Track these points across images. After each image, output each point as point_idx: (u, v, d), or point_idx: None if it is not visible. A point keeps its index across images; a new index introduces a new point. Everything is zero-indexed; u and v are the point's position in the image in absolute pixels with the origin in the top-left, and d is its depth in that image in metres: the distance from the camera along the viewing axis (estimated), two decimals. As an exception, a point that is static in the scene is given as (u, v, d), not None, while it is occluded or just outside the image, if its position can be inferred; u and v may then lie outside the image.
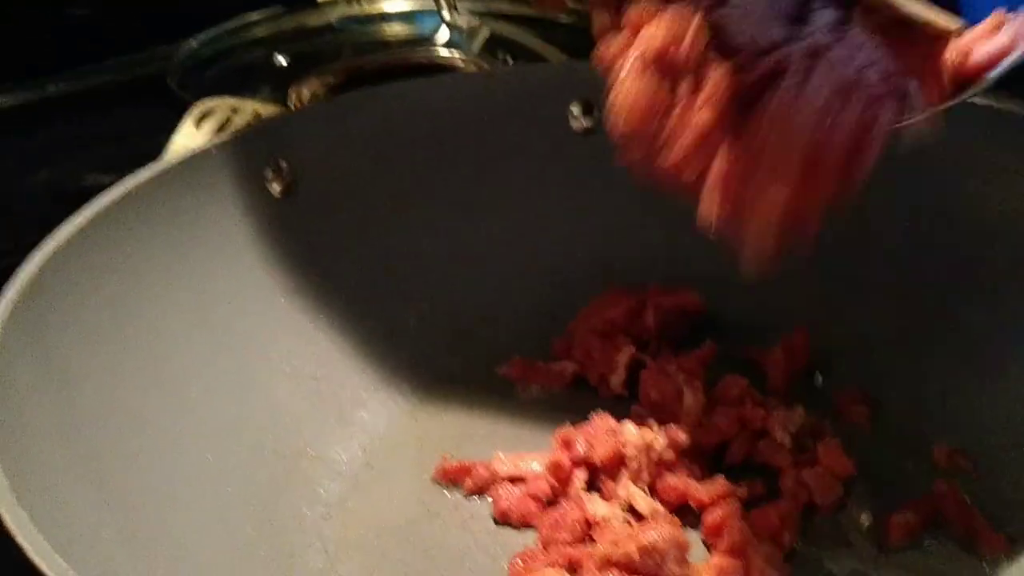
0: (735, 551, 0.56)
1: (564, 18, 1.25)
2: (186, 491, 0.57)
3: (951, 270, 0.69)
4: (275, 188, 0.71)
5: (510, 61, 1.05)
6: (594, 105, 0.77)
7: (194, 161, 0.67)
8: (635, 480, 0.61)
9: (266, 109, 1.04)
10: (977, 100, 0.53)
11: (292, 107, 0.79)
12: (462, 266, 0.77)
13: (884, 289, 0.71)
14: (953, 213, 0.69)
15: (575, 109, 0.78)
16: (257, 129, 0.70)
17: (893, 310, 0.70)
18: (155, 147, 0.79)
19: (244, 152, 0.69)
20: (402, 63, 0.77)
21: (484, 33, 1.19)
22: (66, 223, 0.59)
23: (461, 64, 0.78)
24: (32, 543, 0.41)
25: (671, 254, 0.76)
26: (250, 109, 1.03)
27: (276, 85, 1.11)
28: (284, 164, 0.71)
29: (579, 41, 1.26)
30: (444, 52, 0.78)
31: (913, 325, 0.69)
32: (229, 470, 0.61)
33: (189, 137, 1.00)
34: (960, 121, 0.51)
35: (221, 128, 1.01)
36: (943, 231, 0.69)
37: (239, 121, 1.02)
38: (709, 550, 0.58)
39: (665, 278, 0.76)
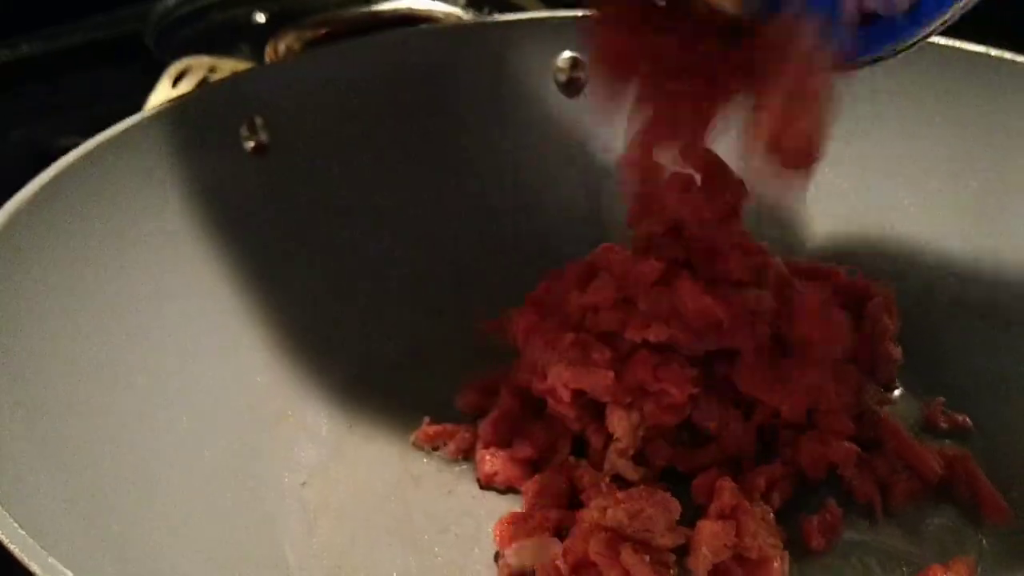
0: (726, 514, 0.54)
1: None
2: (161, 458, 0.56)
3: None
4: (249, 144, 0.68)
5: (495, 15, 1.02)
6: (580, 60, 0.75)
7: (166, 115, 0.64)
8: (622, 454, 0.59)
9: (244, 67, 1.01)
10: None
11: (268, 62, 0.76)
12: (442, 223, 0.75)
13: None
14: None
15: (560, 63, 0.76)
16: (231, 83, 0.68)
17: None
18: (131, 107, 0.77)
19: (217, 106, 0.67)
20: (382, 16, 0.75)
21: (470, -16, 1.17)
22: (34, 179, 0.57)
23: (442, 16, 0.75)
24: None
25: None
26: (228, 68, 1.01)
27: (255, 43, 1.08)
28: (259, 119, 0.68)
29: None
30: (426, 4, 0.76)
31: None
32: (206, 435, 0.59)
33: (166, 96, 0.98)
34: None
35: (198, 87, 0.99)
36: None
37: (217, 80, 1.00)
38: (700, 513, 0.57)
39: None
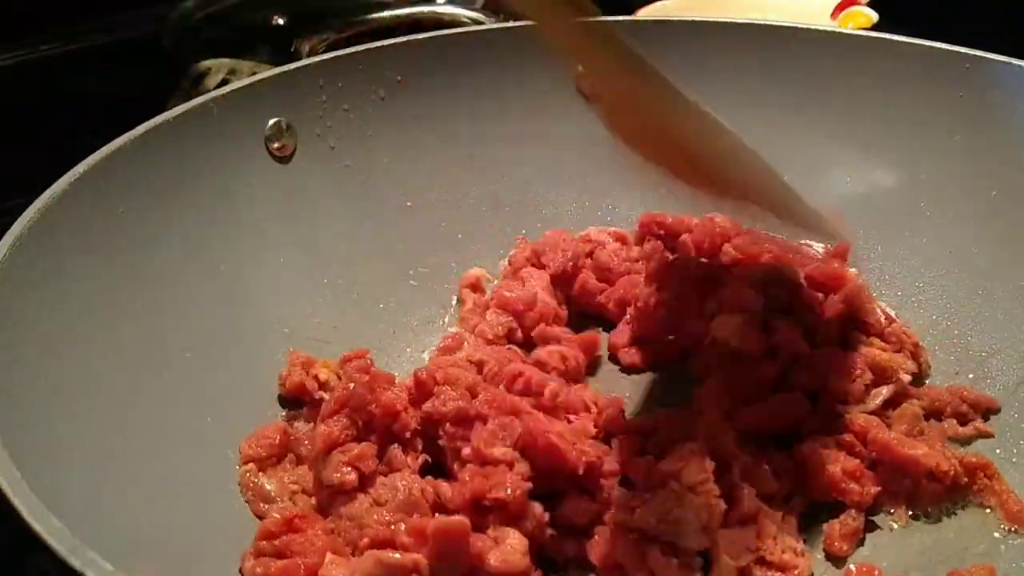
0: (746, 519, 0.54)
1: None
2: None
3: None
4: (275, 144, 0.69)
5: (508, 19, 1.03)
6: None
7: (194, 115, 0.65)
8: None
9: (264, 69, 1.02)
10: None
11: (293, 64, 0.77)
12: (467, 222, 0.76)
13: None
14: None
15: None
16: (259, 84, 0.68)
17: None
18: (151, 109, 0.78)
19: (245, 108, 0.67)
20: (405, 20, 0.76)
21: (484, -8, 1.17)
22: (64, 176, 0.58)
23: (467, 21, 0.76)
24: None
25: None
26: (248, 70, 1.01)
27: (274, 45, 1.09)
28: (285, 121, 0.69)
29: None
30: (450, 10, 0.76)
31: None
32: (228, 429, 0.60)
33: (185, 98, 0.99)
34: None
35: (218, 89, 0.99)
36: None
37: (237, 82, 1.00)
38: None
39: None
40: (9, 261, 0.52)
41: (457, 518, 0.50)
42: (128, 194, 0.60)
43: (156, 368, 0.58)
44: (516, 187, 0.77)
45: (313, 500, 0.57)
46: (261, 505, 0.56)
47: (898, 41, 0.73)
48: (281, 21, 1.12)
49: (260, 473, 0.58)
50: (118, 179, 0.60)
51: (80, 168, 0.58)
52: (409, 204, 0.74)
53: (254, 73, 1.00)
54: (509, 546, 0.51)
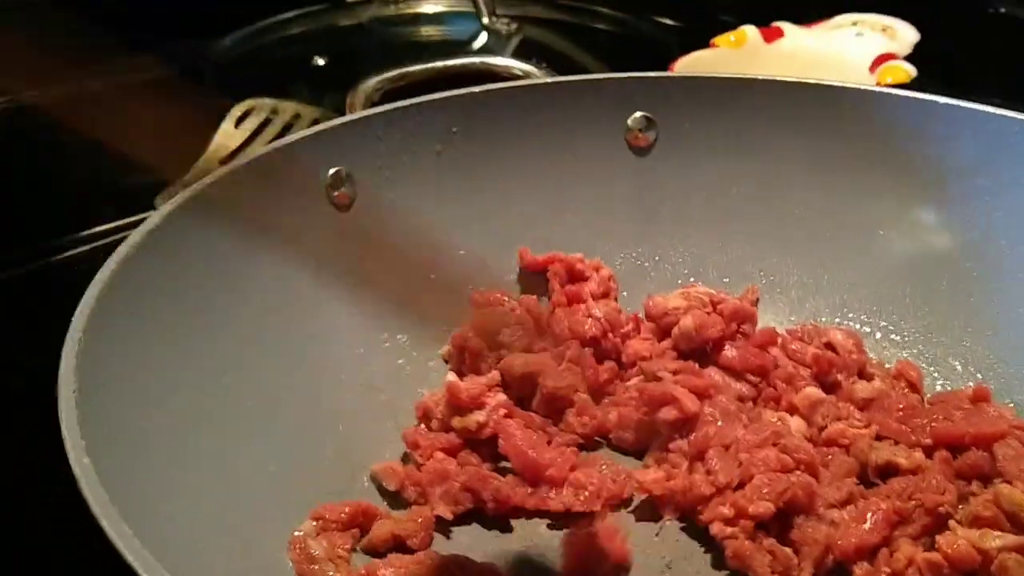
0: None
1: (599, 24, 1.25)
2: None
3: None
4: (334, 194, 0.70)
5: (544, 67, 1.05)
6: (652, 119, 0.78)
7: (258, 164, 0.66)
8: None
9: (306, 110, 1.03)
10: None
11: (348, 113, 0.78)
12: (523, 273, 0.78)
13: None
14: None
15: (631, 123, 0.78)
16: (321, 135, 0.69)
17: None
18: (192, 146, 0.79)
19: (306, 157, 0.69)
20: (457, 71, 0.77)
21: (518, 38, 1.19)
22: (137, 229, 0.59)
23: (520, 74, 0.77)
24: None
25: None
26: (291, 110, 1.03)
27: (313, 85, 1.11)
28: (345, 170, 0.70)
29: (614, 47, 1.28)
30: (503, 62, 0.77)
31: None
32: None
33: (228, 136, 1.00)
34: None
35: (260, 128, 1.01)
36: None
37: (279, 122, 1.02)
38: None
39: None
40: (92, 315, 0.53)
41: None
42: (198, 244, 0.62)
43: (216, 412, 0.59)
44: (567, 241, 0.78)
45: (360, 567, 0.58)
46: (305, 567, 0.57)
47: (940, 103, 0.74)
48: (321, 62, 1.15)
49: (315, 536, 0.59)
50: (189, 230, 0.61)
51: (155, 219, 0.60)
52: (462, 254, 0.75)
53: (297, 114, 1.02)
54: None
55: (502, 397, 0.67)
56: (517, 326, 0.69)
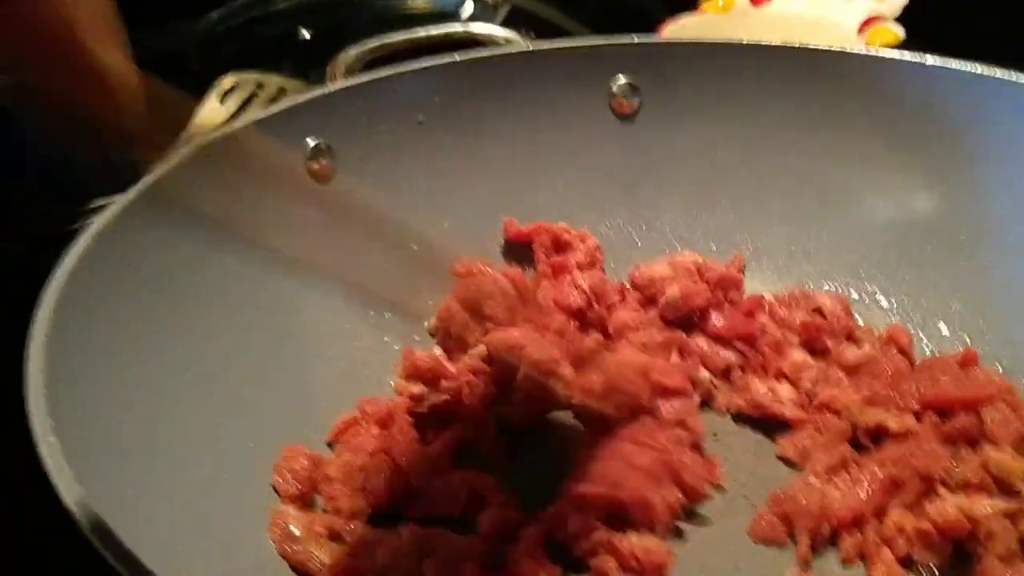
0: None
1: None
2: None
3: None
4: (314, 167, 0.69)
5: (532, 35, 1.03)
6: (635, 85, 0.77)
7: (235, 137, 0.65)
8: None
9: (291, 84, 1.02)
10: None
11: (328, 84, 0.77)
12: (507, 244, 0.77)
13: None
14: None
15: (615, 88, 0.77)
16: (299, 107, 0.69)
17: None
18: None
19: (286, 130, 0.68)
20: (440, 39, 0.76)
21: (506, 7, 1.17)
22: (115, 201, 0.59)
23: (502, 41, 0.76)
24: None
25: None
26: (275, 84, 1.02)
27: (299, 60, 1.09)
28: (324, 142, 0.69)
29: (602, 15, 1.26)
30: (485, 29, 0.76)
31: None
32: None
33: (213, 112, 0.99)
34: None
35: (245, 103, 1.00)
36: None
37: (264, 96, 1.01)
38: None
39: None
40: (67, 285, 0.52)
41: None
42: (176, 217, 0.61)
43: (200, 390, 0.59)
44: (552, 210, 0.77)
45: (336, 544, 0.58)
46: (287, 547, 0.57)
47: (928, 64, 0.73)
48: (307, 35, 1.13)
49: (290, 516, 0.58)
50: (167, 202, 0.61)
51: (130, 195, 0.59)
52: (446, 226, 0.75)
53: (282, 89, 1.01)
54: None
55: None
56: (500, 297, 0.68)
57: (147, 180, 0.60)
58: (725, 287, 0.72)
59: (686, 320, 0.72)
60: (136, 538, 0.42)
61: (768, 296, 0.73)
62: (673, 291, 0.71)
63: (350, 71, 0.78)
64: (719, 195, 0.78)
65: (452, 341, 0.69)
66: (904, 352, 0.70)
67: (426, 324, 0.73)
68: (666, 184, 0.78)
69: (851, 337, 0.71)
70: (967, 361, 0.66)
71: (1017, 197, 0.69)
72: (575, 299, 0.71)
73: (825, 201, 0.75)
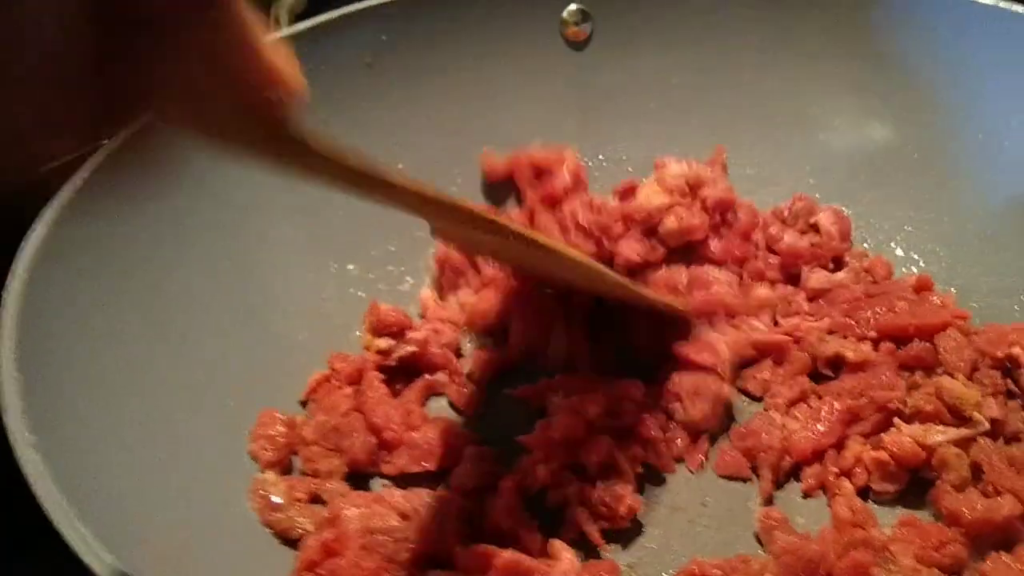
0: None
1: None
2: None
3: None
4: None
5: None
6: (587, 12, 0.75)
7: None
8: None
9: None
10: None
11: (272, 30, 0.75)
12: (463, 185, 0.76)
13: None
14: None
15: (567, 16, 0.75)
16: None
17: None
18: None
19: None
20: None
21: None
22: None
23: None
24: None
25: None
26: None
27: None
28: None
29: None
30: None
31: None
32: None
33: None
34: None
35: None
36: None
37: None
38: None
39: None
40: (38, 251, 0.53)
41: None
42: (136, 181, 0.59)
43: (170, 357, 0.59)
44: (507, 145, 0.76)
45: (318, 507, 0.59)
46: (269, 515, 0.58)
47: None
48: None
49: (270, 484, 0.60)
50: (127, 169, 0.58)
51: (94, 162, 0.57)
52: (401, 167, 0.73)
53: None
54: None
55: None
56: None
57: (110, 146, 0.58)
58: (722, 209, 0.72)
59: (686, 245, 0.72)
60: (116, 517, 0.44)
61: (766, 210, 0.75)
62: (671, 223, 0.70)
63: (291, 14, 0.75)
64: (678, 122, 0.77)
65: (446, 281, 0.71)
66: (876, 282, 0.71)
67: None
68: (623, 112, 0.77)
69: (838, 260, 0.73)
70: (921, 286, 0.68)
71: (968, 121, 0.70)
72: (583, 242, 0.71)
73: (783, 127, 0.75)
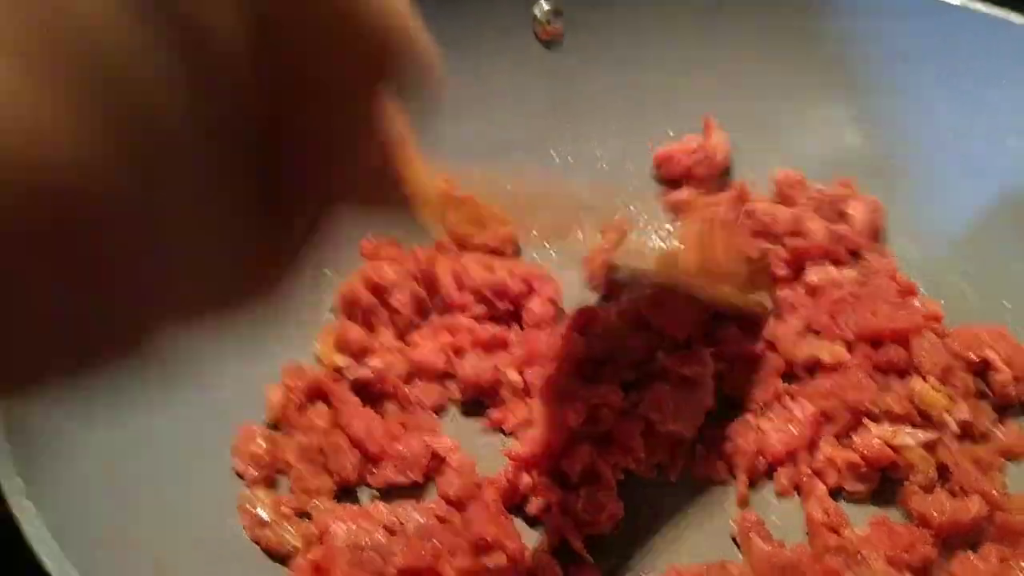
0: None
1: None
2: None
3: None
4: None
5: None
6: (560, 10, 0.75)
7: None
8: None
9: None
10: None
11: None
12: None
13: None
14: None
15: (538, 12, 0.75)
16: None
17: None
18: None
19: None
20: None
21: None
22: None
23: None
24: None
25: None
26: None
27: None
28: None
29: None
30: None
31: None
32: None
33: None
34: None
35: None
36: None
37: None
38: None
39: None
40: None
41: None
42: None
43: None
44: (477, 146, 0.73)
45: (306, 522, 0.60)
46: (257, 531, 0.59)
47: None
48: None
49: (257, 500, 0.60)
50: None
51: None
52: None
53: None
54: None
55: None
56: (406, 285, 0.68)
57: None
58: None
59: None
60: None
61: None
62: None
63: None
64: (653, 120, 0.77)
65: (359, 320, 0.69)
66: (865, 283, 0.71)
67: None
68: (596, 111, 0.77)
69: (858, 255, 0.72)
70: (904, 291, 0.69)
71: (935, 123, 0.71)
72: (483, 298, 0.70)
73: (757, 128, 0.75)
